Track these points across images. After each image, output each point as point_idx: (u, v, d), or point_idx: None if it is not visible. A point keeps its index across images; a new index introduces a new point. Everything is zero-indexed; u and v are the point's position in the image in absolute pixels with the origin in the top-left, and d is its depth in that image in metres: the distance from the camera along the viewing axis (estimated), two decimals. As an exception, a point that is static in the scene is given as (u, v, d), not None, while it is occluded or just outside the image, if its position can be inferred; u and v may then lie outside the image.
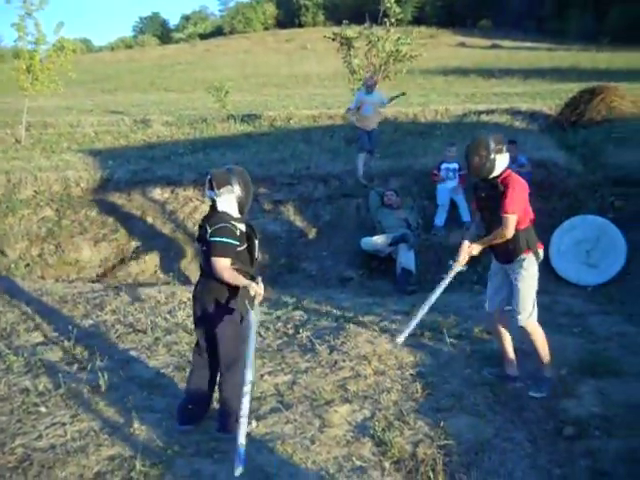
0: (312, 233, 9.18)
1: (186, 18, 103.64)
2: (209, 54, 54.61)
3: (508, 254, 4.45)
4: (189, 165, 10.91)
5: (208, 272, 3.94)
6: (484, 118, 13.82)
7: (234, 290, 3.94)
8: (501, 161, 4.36)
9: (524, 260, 4.39)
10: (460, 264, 4.74)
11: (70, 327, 6.01)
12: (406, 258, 8.02)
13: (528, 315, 4.44)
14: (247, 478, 3.54)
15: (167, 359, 5.30)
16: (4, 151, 13.27)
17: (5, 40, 79.42)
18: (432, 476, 3.56)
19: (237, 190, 3.95)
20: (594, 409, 4.30)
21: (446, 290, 7.51)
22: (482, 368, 4.96)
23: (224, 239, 3.84)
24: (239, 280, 3.86)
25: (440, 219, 8.97)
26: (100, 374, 4.78)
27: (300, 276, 8.41)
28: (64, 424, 4.18)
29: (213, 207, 4.01)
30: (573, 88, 16.32)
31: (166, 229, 9.43)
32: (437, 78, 26.85)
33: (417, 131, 13.01)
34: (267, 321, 6.09)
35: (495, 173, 4.37)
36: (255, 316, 3.88)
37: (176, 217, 9.59)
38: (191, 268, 8.82)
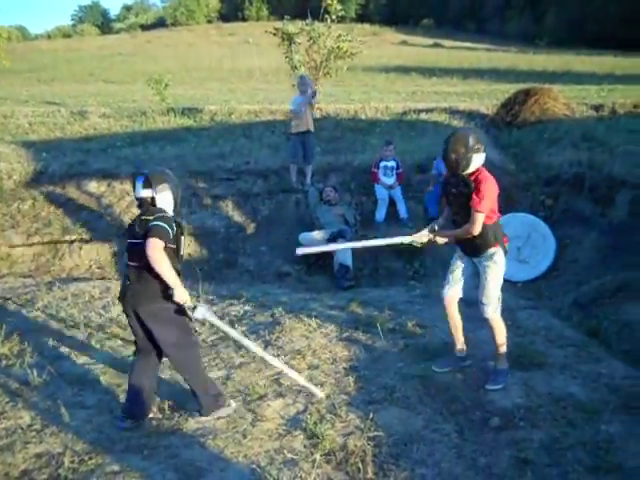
0: (250, 228, 9.17)
1: (127, 8, 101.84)
2: (150, 46, 53.76)
3: (476, 248, 4.54)
4: (127, 158, 10.73)
5: (141, 268, 3.92)
6: (423, 116, 14.02)
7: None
8: (477, 160, 4.37)
9: (494, 254, 4.50)
10: (413, 239, 4.78)
11: (-1, 323, 5.87)
12: (343, 254, 8.10)
13: (495, 308, 4.59)
14: (177, 474, 3.55)
15: (99, 355, 5.23)
16: None
17: None
18: (361, 467, 3.63)
19: (172, 188, 4.10)
20: (519, 400, 4.44)
21: (382, 285, 7.75)
22: (414, 362, 5.05)
23: (165, 224, 3.89)
24: (167, 268, 3.83)
25: (380, 214, 9.08)
26: (29, 371, 4.70)
27: (238, 271, 8.40)
28: (-10, 422, 4.09)
29: (146, 204, 4.05)
30: (510, 89, 16.73)
31: (102, 223, 9.25)
32: (379, 76, 27.11)
33: (357, 128, 13.12)
34: (203, 316, 6.06)
35: (469, 170, 4.38)
36: (203, 311, 3.95)
37: (112, 211, 9.43)
38: (127, 263, 8.70)
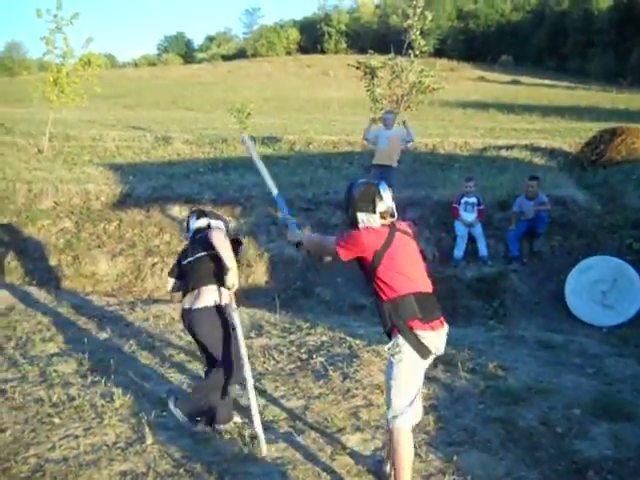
0: (328, 259, 9.20)
1: (210, 39, 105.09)
2: (231, 75, 55.16)
3: (383, 328, 3.64)
4: (208, 184, 11.00)
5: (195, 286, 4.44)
6: (503, 153, 13.85)
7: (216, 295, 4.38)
8: (364, 220, 3.65)
9: (395, 345, 3.52)
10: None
11: (85, 340, 6.07)
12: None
13: (396, 413, 3.49)
14: (258, 501, 3.55)
15: (180, 377, 5.31)
16: (26, 161, 13.46)
17: (30, 52, 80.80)
18: (443, 510, 3.55)
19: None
20: (607, 452, 4.25)
21: (460, 324, 7.60)
22: (496, 405, 4.91)
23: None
24: (230, 254, 4.36)
25: (459, 251, 8.99)
26: (114, 389, 4.81)
27: (314, 301, 8.42)
28: (77, 436, 4.19)
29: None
30: (592, 127, 16.38)
31: (183, 247, 9.46)
32: (456, 111, 26.94)
33: (436, 162, 13.08)
34: (281, 345, 6.11)
35: (359, 226, 3.66)
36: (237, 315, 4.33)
37: (192, 235, 9.63)
38: (205, 287, 8.85)
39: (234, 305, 4.36)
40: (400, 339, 3.48)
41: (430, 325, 3.52)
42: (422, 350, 3.49)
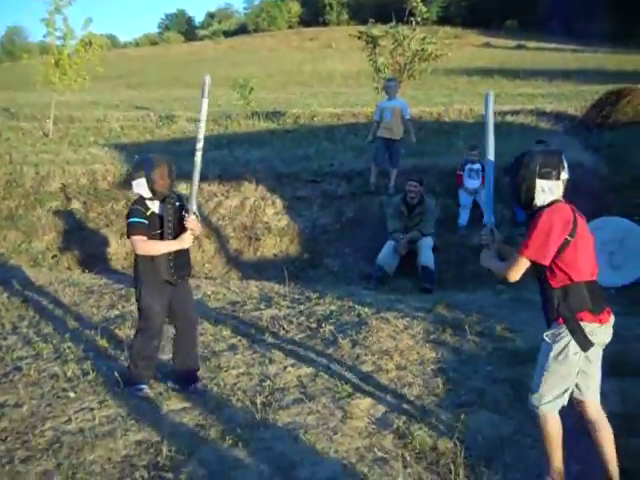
0: (335, 230, 9.22)
1: (211, 15, 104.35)
2: (233, 51, 54.82)
3: (545, 313, 3.45)
4: (214, 161, 10.98)
5: None
6: (509, 119, 13.76)
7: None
8: (545, 190, 3.37)
9: (556, 334, 3.34)
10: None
11: (97, 317, 6.16)
12: (426, 257, 8.03)
13: (543, 400, 3.41)
14: (270, 465, 3.62)
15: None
16: (32, 144, 13.51)
17: (32, 36, 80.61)
18: (453, 468, 3.60)
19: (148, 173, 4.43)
20: (615, 408, 4.29)
21: (469, 289, 7.63)
22: (504, 366, 4.96)
23: (134, 219, 4.38)
24: (162, 246, 4.41)
25: (463, 219, 9.00)
26: (127, 362, 4.89)
27: (322, 272, 8.46)
28: (92, 409, 4.28)
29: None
30: (599, 90, 16.19)
31: (190, 223, 9.52)
32: (461, 78, 26.70)
33: (441, 130, 13.02)
34: (290, 315, 6.17)
35: (537, 203, 3.40)
36: None
37: (200, 212, 9.58)
38: (214, 262, 8.93)
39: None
40: (564, 330, 3.30)
41: (599, 318, 3.32)
42: (585, 344, 3.31)
